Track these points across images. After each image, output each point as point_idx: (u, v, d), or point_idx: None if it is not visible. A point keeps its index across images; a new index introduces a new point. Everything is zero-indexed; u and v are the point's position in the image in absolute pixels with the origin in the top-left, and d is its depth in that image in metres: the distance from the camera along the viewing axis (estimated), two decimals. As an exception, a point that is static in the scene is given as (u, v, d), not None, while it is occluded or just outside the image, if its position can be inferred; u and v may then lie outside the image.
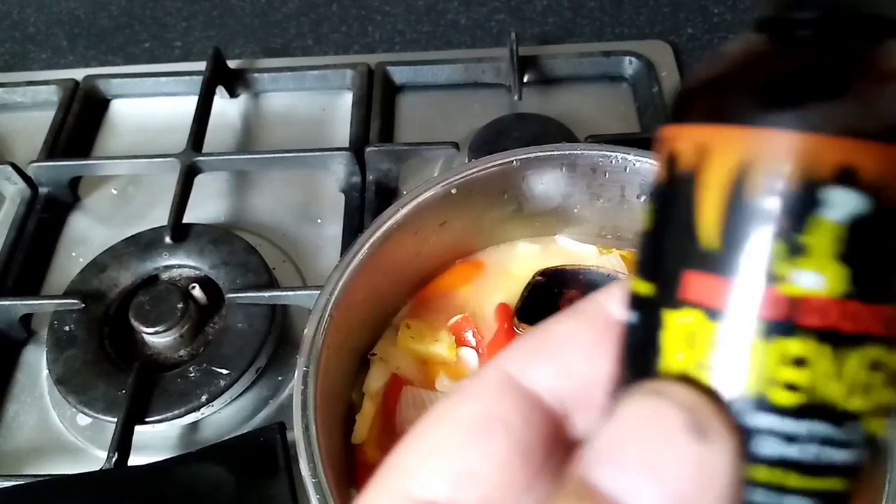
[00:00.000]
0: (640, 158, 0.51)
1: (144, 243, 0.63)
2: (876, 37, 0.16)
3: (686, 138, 0.17)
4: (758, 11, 0.18)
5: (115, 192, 0.72)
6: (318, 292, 0.47)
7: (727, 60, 0.17)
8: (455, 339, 0.53)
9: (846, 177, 0.15)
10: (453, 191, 0.51)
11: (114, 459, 0.51)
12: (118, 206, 0.71)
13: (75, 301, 0.59)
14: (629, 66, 0.75)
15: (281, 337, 0.59)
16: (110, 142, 0.76)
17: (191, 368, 0.56)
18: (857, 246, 0.15)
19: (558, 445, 0.19)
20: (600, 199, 0.54)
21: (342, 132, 0.72)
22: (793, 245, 0.15)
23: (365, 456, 0.49)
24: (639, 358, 0.17)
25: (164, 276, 0.62)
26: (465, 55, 0.79)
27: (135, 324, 0.57)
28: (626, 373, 0.18)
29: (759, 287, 0.16)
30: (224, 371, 0.55)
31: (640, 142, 0.52)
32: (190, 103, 0.72)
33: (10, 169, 0.68)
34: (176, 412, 0.54)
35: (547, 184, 0.53)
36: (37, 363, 0.61)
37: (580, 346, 0.19)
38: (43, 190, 0.69)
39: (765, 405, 0.16)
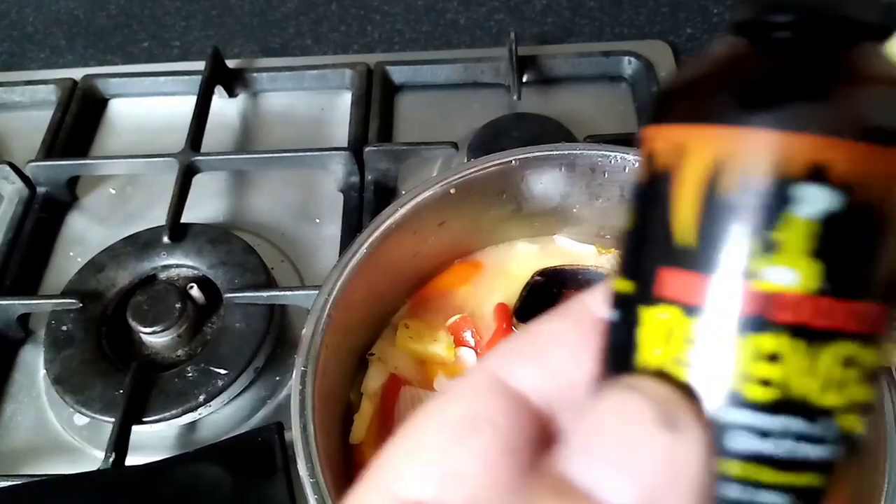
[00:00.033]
0: (639, 158, 0.50)
1: (142, 243, 0.62)
2: (850, 39, 0.17)
3: (664, 138, 0.17)
4: (737, 15, 0.18)
5: (113, 191, 0.71)
6: (317, 292, 0.47)
7: (704, 63, 0.18)
8: (454, 339, 0.53)
9: (818, 174, 0.15)
10: (452, 190, 0.51)
11: (111, 459, 0.51)
12: (116, 205, 0.71)
13: (73, 301, 0.59)
14: (628, 66, 0.75)
15: (279, 337, 0.59)
16: (108, 141, 0.76)
17: (188, 368, 0.56)
18: (829, 242, 0.15)
19: (545, 445, 0.18)
20: (599, 199, 0.54)
21: (341, 132, 0.72)
22: (766, 242, 0.16)
23: (363, 456, 0.49)
24: (618, 355, 0.18)
25: (162, 275, 0.62)
26: (464, 55, 0.78)
27: (132, 323, 0.57)
28: (607, 370, 0.18)
29: (733, 283, 0.16)
30: (222, 371, 0.55)
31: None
32: (188, 103, 0.72)
33: (7, 168, 0.68)
34: (173, 412, 0.54)
35: (546, 183, 0.53)
36: (34, 363, 0.60)
37: (566, 345, 0.19)
38: (41, 189, 0.69)
39: (739, 400, 0.16)
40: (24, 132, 0.74)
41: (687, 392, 0.16)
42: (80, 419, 0.56)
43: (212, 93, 0.74)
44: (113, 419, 0.53)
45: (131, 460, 0.52)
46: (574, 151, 0.52)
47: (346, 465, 0.49)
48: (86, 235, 0.68)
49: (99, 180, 0.72)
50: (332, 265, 0.48)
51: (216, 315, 0.59)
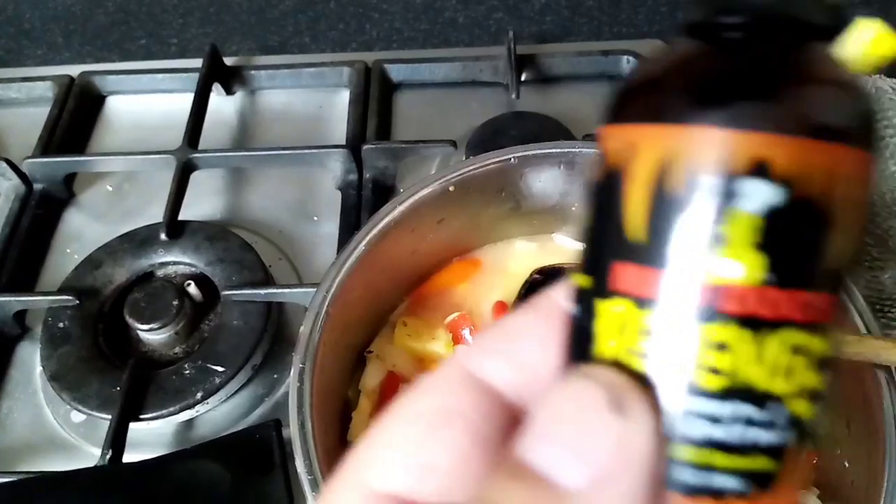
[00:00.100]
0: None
1: (140, 240, 0.62)
2: (797, 40, 0.17)
3: (615, 137, 0.18)
4: (688, 16, 0.18)
5: (110, 188, 0.71)
6: (314, 290, 0.47)
7: (654, 64, 0.18)
8: (452, 337, 0.52)
9: (761, 170, 0.16)
10: (451, 188, 0.51)
11: (108, 457, 0.51)
12: (113, 202, 0.70)
13: (70, 297, 0.58)
14: (627, 65, 0.75)
15: (276, 334, 0.59)
16: (106, 138, 0.76)
17: (186, 366, 0.55)
18: (773, 235, 0.16)
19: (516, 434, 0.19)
20: (598, 198, 0.54)
21: (339, 130, 0.72)
22: (713, 236, 0.16)
23: (361, 454, 0.49)
24: (578, 346, 0.18)
25: (160, 272, 0.62)
26: (462, 53, 0.78)
27: (130, 321, 0.57)
28: (569, 361, 0.18)
29: (681, 276, 0.16)
30: (219, 368, 0.55)
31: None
32: (186, 100, 0.72)
33: (4, 165, 0.68)
34: (171, 409, 0.54)
35: (544, 182, 0.53)
36: (31, 360, 0.60)
37: (534, 339, 0.19)
38: (38, 186, 0.69)
39: (690, 388, 0.16)
40: (21, 129, 0.74)
41: (641, 381, 0.17)
42: (77, 416, 0.56)
43: (209, 90, 0.74)
44: (110, 416, 0.53)
45: (128, 458, 0.52)
46: (573, 150, 0.52)
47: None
48: (83, 232, 0.68)
49: (96, 177, 0.72)
50: (329, 263, 0.48)
51: (213, 312, 0.59)
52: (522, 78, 0.74)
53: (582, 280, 0.18)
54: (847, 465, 0.45)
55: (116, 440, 0.52)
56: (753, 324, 0.16)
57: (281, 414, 0.53)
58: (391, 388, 0.51)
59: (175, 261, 0.62)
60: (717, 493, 0.16)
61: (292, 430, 0.41)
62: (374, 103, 0.73)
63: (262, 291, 0.58)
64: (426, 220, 0.52)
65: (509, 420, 0.19)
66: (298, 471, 0.40)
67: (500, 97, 0.74)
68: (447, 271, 0.57)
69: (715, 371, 0.16)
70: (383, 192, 0.67)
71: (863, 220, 0.17)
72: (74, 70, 0.77)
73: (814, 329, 0.17)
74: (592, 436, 0.16)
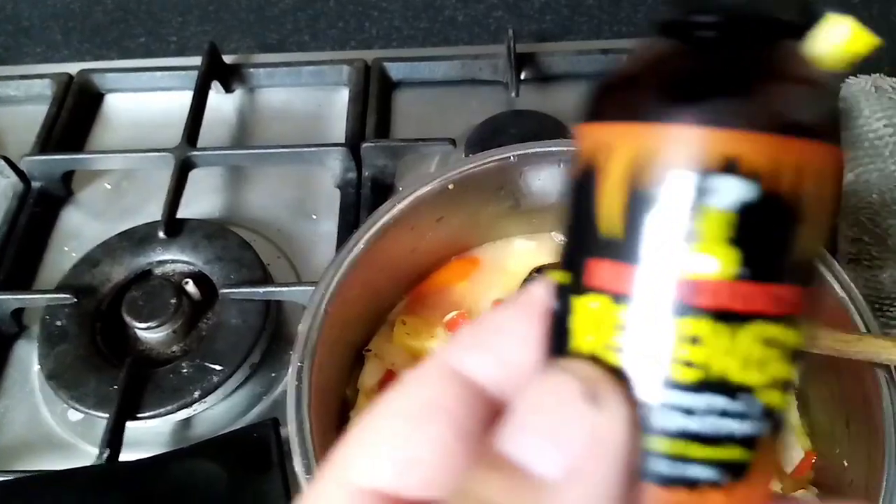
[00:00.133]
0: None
1: (138, 238, 0.62)
2: (768, 38, 0.18)
3: (590, 136, 0.18)
4: (661, 16, 0.19)
5: (108, 186, 0.71)
6: (313, 288, 0.47)
7: (628, 64, 0.19)
8: (451, 336, 0.52)
9: (731, 167, 0.16)
10: (450, 186, 0.51)
11: (105, 455, 0.51)
12: (112, 200, 0.70)
13: (67, 296, 0.58)
14: (627, 63, 0.75)
15: (275, 333, 0.59)
16: (104, 136, 0.75)
17: (184, 364, 0.55)
18: (745, 231, 0.16)
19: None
20: (597, 196, 0.54)
21: (338, 128, 0.71)
22: (685, 231, 0.16)
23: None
24: (557, 341, 0.18)
25: (158, 271, 0.62)
26: (462, 52, 0.78)
27: (127, 319, 0.56)
28: (548, 356, 0.19)
29: (655, 272, 0.17)
30: (217, 367, 0.55)
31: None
32: (185, 98, 0.72)
33: (2, 163, 0.68)
34: (168, 408, 0.54)
35: (544, 180, 0.53)
36: (28, 358, 0.60)
37: (516, 335, 0.20)
38: (36, 184, 0.69)
39: (665, 381, 0.17)
40: (20, 126, 0.74)
41: (617, 374, 0.17)
42: (74, 415, 0.56)
43: (208, 88, 0.73)
44: (107, 415, 0.53)
45: (125, 456, 0.52)
46: (572, 148, 0.51)
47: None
48: (81, 230, 0.68)
49: (94, 175, 0.71)
50: (328, 261, 0.48)
51: (212, 311, 0.59)
52: (522, 76, 0.74)
53: (561, 276, 0.19)
54: (846, 464, 0.45)
55: (113, 439, 0.52)
56: (726, 317, 0.16)
57: (279, 413, 0.53)
58: (390, 386, 0.51)
59: (173, 259, 0.62)
60: (691, 484, 0.17)
61: (290, 429, 0.41)
62: (374, 101, 0.72)
63: (261, 290, 0.58)
64: (425, 219, 0.52)
65: (492, 414, 0.19)
66: (296, 470, 0.40)
67: (499, 95, 0.74)
68: (446, 270, 0.57)
69: (689, 364, 0.17)
70: (382, 190, 0.67)
71: (833, 214, 0.18)
72: (73, 68, 0.77)
73: (786, 321, 0.17)
74: (568, 426, 0.16)
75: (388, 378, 0.51)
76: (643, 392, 0.17)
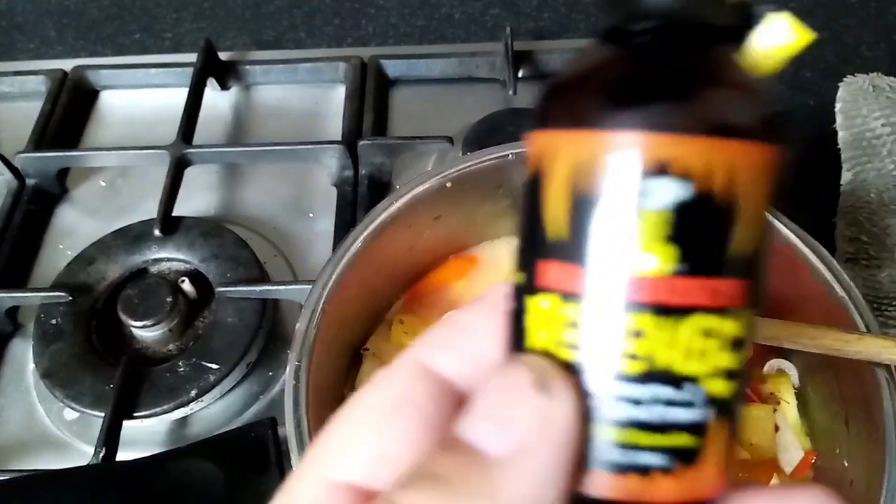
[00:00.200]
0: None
1: (133, 236, 0.62)
2: (702, 43, 0.19)
3: (536, 143, 0.19)
4: (602, 23, 0.20)
5: (103, 184, 0.71)
6: (310, 287, 0.47)
7: (569, 71, 0.20)
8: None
9: (665, 169, 0.17)
10: (448, 184, 0.50)
11: (101, 455, 0.50)
12: (107, 198, 0.70)
13: (62, 294, 0.58)
14: (624, 61, 0.75)
15: (271, 332, 0.58)
16: (99, 133, 0.75)
17: (180, 363, 0.55)
18: (680, 229, 0.17)
19: None
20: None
21: (335, 125, 0.71)
22: (624, 231, 0.17)
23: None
24: (515, 339, 0.20)
25: (153, 269, 0.61)
26: (459, 49, 0.78)
27: (123, 317, 0.56)
28: (508, 352, 0.20)
29: (600, 271, 0.18)
30: (214, 366, 0.55)
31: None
32: (180, 95, 0.71)
33: (-4, 160, 0.67)
34: (165, 407, 0.53)
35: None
36: (23, 357, 0.60)
37: (482, 332, 0.21)
38: (30, 181, 0.68)
39: (612, 374, 0.18)
40: (14, 123, 0.73)
41: (569, 369, 0.18)
42: (70, 414, 0.56)
43: (204, 85, 0.73)
44: (103, 414, 0.52)
45: (121, 456, 0.52)
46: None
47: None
48: (76, 228, 0.68)
49: (89, 172, 0.71)
50: (325, 260, 0.48)
51: (208, 309, 0.59)
52: (519, 74, 0.74)
53: (516, 277, 0.20)
54: (847, 464, 0.45)
55: (109, 438, 0.51)
56: (667, 311, 0.17)
57: (276, 412, 0.53)
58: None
59: (169, 257, 0.61)
60: (643, 470, 0.18)
61: (288, 429, 0.41)
62: (370, 99, 0.72)
63: (257, 288, 0.58)
64: (423, 217, 0.52)
65: (459, 408, 0.20)
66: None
67: (496, 93, 0.74)
68: (444, 268, 0.56)
69: (634, 357, 0.18)
70: (379, 188, 0.67)
71: (767, 210, 0.18)
72: (67, 64, 0.77)
73: (725, 313, 0.18)
74: (518, 412, 0.18)
75: (385, 377, 0.51)
76: (594, 384, 0.18)
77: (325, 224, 0.65)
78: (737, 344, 0.18)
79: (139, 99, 0.77)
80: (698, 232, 0.17)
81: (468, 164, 0.51)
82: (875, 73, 0.68)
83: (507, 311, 0.20)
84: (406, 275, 0.55)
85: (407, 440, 0.19)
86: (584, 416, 0.18)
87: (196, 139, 0.68)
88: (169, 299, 0.56)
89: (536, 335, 0.19)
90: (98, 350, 0.56)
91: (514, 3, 0.84)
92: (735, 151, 0.17)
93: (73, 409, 0.54)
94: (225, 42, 0.81)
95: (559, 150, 0.18)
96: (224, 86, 0.76)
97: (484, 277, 0.56)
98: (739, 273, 0.18)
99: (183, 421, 0.56)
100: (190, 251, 0.61)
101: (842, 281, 0.44)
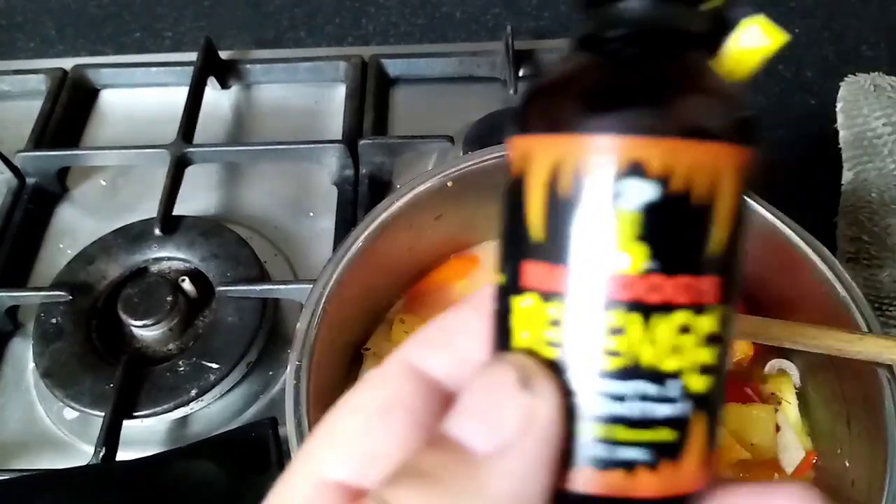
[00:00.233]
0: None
1: (133, 235, 0.62)
2: (673, 48, 0.19)
3: (517, 148, 0.20)
4: (577, 31, 0.20)
5: (103, 183, 0.71)
6: (310, 286, 0.46)
7: (548, 77, 0.20)
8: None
9: (636, 170, 0.18)
10: (449, 184, 0.50)
11: (101, 454, 0.50)
12: (107, 197, 0.70)
13: (62, 293, 0.58)
14: (625, 61, 0.74)
15: (272, 331, 0.58)
16: (99, 132, 0.75)
17: (180, 362, 0.55)
18: (651, 228, 0.18)
19: None
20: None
21: (335, 125, 0.71)
22: (600, 231, 0.18)
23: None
24: (500, 339, 0.20)
25: (154, 268, 0.61)
26: (459, 49, 0.78)
27: (123, 316, 0.56)
28: (494, 352, 0.20)
29: (578, 270, 0.18)
30: (214, 365, 0.55)
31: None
32: (180, 94, 0.71)
33: (-4, 158, 0.67)
34: (165, 406, 0.53)
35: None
36: (23, 356, 0.60)
37: (470, 333, 0.21)
38: (30, 180, 0.68)
39: (594, 371, 0.18)
40: (14, 122, 0.73)
41: (552, 366, 0.19)
42: (70, 413, 0.56)
43: (204, 84, 0.73)
44: (103, 413, 0.52)
45: (122, 455, 0.51)
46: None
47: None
48: (76, 227, 0.68)
49: (89, 171, 0.71)
50: (325, 259, 0.47)
51: (208, 309, 0.59)
52: (520, 73, 0.74)
53: (499, 278, 0.20)
54: (848, 464, 0.45)
55: (110, 438, 0.51)
56: (642, 308, 0.18)
57: (276, 412, 0.53)
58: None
59: (169, 256, 0.61)
60: (627, 465, 0.18)
61: (289, 429, 0.41)
62: (371, 98, 0.72)
63: (258, 288, 0.58)
64: (424, 217, 0.52)
65: (448, 407, 0.20)
66: (295, 470, 0.39)
67: (497, 93, 0.73)
68: (445, 268, 0.56)
69: (614, 354, 0.18)
70: (380, 187, 0.67)
71: (739, 208, 0.19)
72: (67, 63, 0.77)
73: (700, 309, 0.18)
74: (502, 408, 0.18)
75: (386, 377, 0.51)
76: (577, 381, 0.18)
77: (326, 223, 0.65)
78: (713, 340, 0.19)
79: (139, 98, 0.76)
80: (670, 230, 0.18)
81: (469, 163, 0.51)
82: (876, 73, 0.68)
83: (493, 312, 0.20)
84: (407, 274, 0.55)
85: (396, 439, 0.20)
86: (568, 413, 0.18)
87: (196, 138, 0.68)
88: (169, 298, 0.56)
89: (520, 334, 0.19)
90: (98, 349, 0.56)
91: (514, 2, 0.84)
92: (702, 153, 0.18)
93: (73, 408, 0.54)
94: (225, 41, 0.81)
95: (537, 155, 0.19)
96: (224, 85, 0.76)
97: (485, 277, 0.56)
98: (713, 270, 0.18)
99: (183, 420, 0.56)
100: (190, 250, 0.61)
101: (843, 281, 0.44)
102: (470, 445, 0.18)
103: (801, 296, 0.47)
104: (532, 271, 0.19)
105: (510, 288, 0.20)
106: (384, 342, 0.53)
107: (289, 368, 0.43)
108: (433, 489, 0.17)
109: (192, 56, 0.74)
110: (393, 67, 0.75)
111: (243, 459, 0.45)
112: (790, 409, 0.50)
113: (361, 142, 0.66)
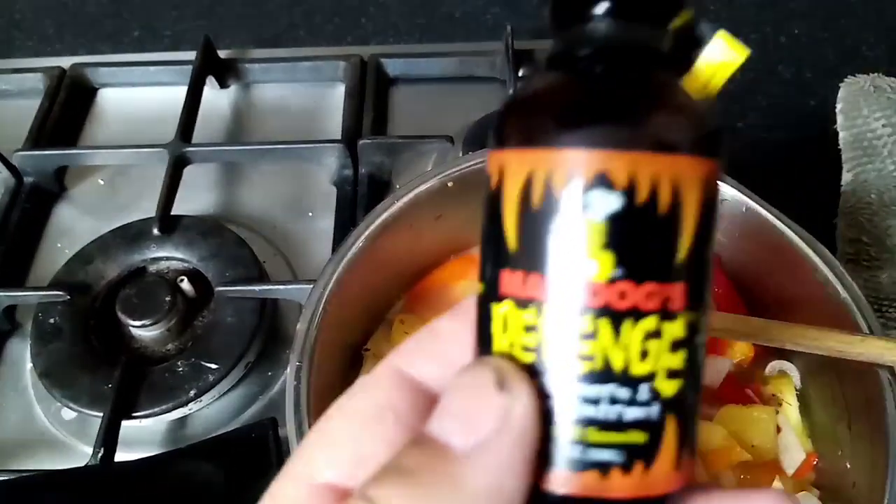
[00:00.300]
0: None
1: (132, 235, 0.62)
2: (639, 65, 0.20)
3: (494, 161, 0.21)
4: (549, 50, 0.21)
5: (102, 182, 0.70)
6: (309, 286, 0.46)
7: (520, 93, 0.21)
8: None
9: (602, 181, 0.19)
10: (450, 184, 0.50)
11: (100, 455, 0.50)
12: (105, 196, 0.69)
13: (60, 293, 0.58)
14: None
15: (271, 331, 0.58)
16: (97, 131, 0.75)
17: (179, 363, 0.55)
18: (616, 237, 0.19)
19: None
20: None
21: (334, 124, 0.71)
22: (569, 240, 0.19)
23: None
24: (482, 344, 0.21)
25: (152, 268, 0.61)
26: (459, 48, 0.77)
27: (121, 317, 0.56)
28: (476, 357, 0.21)
29: (550, 278, 0.19)
30: (213, 365, 0.54)
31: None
32: (179, 93, 0.71)
33: (-6, 157, 0.67)
34: (163, 407, 0.53)
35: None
36: (21, 356, 0.59)
37: (458, 340, 0.22)
38: (28, 179, 0.68)
39: (567, 375, 0.19)
40: (11, 121, 0.73)
41: (529, 370, 0.19)
42: (68, 413, 0.56)
43: (203, 83, 0.73)
44: (101, 414, 0.52)
45: (120, 456, 0.51)
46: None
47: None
48: (74, 227, 0.67)
49: (87, 171, 0.71)
50: (325, 259, 0.47)
51: (207, 309, 0.59)
52: (520, 73, 0.73)
53: (481, 286, 0.21)
54: (849, 466, 0.45)
55: (108, 438, 0.51)
56: (612, 314, 0.19)
57: (275, 412, 0.53)
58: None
59: (168, 256, 0.61)
60: (601, 466, 0.19)
61: (289, 430, 0.41)
62: (370, 98, 0.72)
63: (257, 288, 0.57)
64: (424, 217, 0.51)
65: None
66: (295, 471, 0.39)
67: (497, 93, 0.73)
68: (445, 268, 0.56)
69: (586, 358, 0.19)
70: (379, 187, 0.67)
71: (704, 217, 0.19)
72: (66, 62, 0.76)
73: (667, 316, 0.19)
74: (480, 408, 0.19)
75: (386, 377, 0.51)
76: (552, 385, 0.19)
77: (325, 223, 0.65)
78: (682, 344, 0.19)
79: (138, 97, 0.76)
80: (636, 239, 0.19)
81: (469, 163, 0.51)
82: (876, 74, 0.68)
83: (476, 318, 0.21)
84: (407, 275, 0.55)
85: (385, 442, 0.21)
86: (545, 415, 0.19)
87: (195, 138, 0.68)
88: (168, 298, 0.56)
89: (499, 340, 0.20)
90: (96, 349, 0.56)
91: (514, 2, 0.84)
92: (665, 165, 0.19)
93: (71, 408, 0.54)
94: (224, 40, 0.80)
95: (511, 168, 0.20)
96: (223, 84, 0.76)
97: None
98: (680, 277, 0.19)
99: (182, 421, 0.56)
100: (189, 250, 0.61)
101: (844, 282, 0.44)
102: (449, 443, 0.19)
103: (802, 297, 0.47)
104: (509, 279, 0.20)
105: (490, 295, 0.20)
106: (384, 342, 0.53)
107: (289, 369, 0.43)
108: (414, 485, 0.18)
109: (191, 55, 0.73)
110: (392, 67, 0.75)
111: (243, 460, 0.45)
112: (791, 410, 0.50)
113: (361, 142, 0.66)
